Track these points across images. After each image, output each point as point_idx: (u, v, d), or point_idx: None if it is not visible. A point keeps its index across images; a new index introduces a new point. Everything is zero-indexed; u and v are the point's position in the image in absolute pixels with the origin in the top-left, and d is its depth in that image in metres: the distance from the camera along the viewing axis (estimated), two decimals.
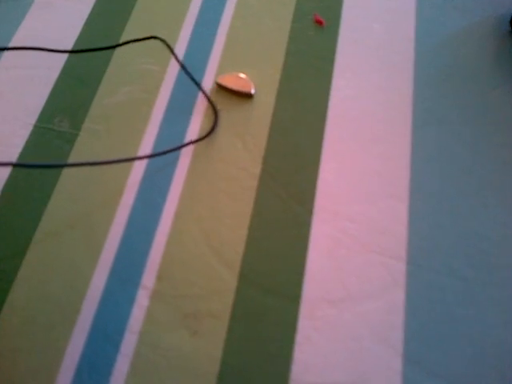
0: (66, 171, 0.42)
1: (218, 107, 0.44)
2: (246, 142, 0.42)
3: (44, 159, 0.42)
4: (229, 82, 0.45)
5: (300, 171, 0.40)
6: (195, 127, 0.43)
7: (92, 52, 0.49)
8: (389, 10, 0.48)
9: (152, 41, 0.48)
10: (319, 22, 0.48)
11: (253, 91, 0.45)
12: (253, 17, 0.50)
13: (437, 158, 0.39)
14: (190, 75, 0.44)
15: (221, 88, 0.45)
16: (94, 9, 0.52)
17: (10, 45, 0.49)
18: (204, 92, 0.44)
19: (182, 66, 0.44)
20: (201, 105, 0.45)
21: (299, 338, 0.33)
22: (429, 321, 0.33)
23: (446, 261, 0.35)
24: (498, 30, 0.46)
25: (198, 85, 0.45)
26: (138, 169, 0.41)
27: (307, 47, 0.47)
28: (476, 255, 0.35)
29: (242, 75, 0.46)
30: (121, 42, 0.49)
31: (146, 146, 0.42)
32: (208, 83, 0.46)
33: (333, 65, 0.46)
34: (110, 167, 0.41)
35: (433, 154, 0.39)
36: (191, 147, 0.42)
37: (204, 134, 0.43)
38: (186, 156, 0.42)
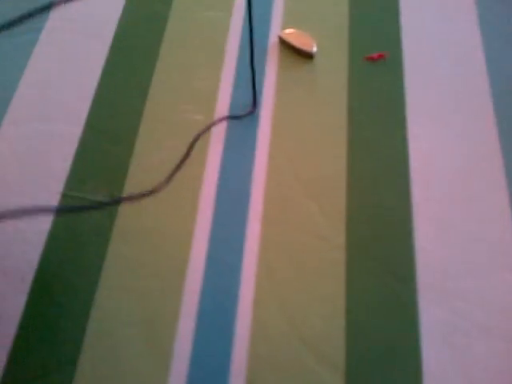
0: (112, 247, 0.35)
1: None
2: (322, 205, 0.36)
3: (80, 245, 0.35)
4: (291, 38, 0.44)
5: (391, 240, 0.35)
6: None
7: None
8: (453, 43, 0.44)
9: None
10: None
11: (314, 50, 0.43)
12: None
13: None
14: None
15: (283, 43, 0.45)
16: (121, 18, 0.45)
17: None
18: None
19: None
20: None
21: None
22: None
23: None
24: None
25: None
26: (200, 245, 0.35)
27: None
28: None
29: (305, 34, 0.44)
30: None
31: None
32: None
33: (404, 110, 0.41)
34: (169, 240, 0.35)
35: None
36: (259, 213, 0.36)
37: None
38: (254, 222, 0.36)
